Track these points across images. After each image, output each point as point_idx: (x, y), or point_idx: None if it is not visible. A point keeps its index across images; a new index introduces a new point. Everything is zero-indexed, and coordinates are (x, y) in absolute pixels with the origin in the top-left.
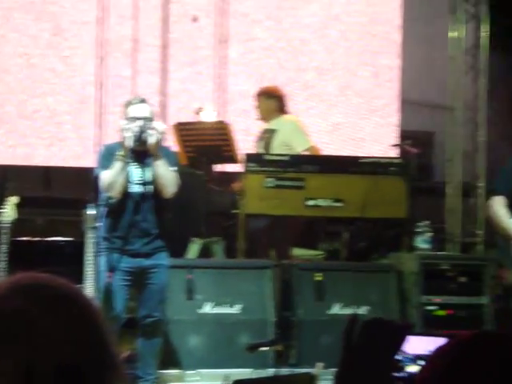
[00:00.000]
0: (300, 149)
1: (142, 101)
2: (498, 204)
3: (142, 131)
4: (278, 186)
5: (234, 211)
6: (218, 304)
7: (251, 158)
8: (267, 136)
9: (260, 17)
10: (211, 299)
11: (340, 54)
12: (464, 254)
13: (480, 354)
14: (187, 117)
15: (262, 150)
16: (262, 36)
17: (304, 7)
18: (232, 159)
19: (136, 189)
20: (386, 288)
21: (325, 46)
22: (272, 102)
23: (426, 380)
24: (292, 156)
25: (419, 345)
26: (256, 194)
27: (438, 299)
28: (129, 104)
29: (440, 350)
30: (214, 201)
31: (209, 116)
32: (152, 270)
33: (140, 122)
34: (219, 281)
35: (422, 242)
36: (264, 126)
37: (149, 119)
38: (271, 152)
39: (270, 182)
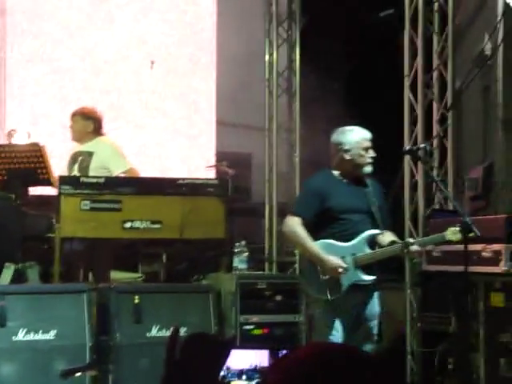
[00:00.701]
0: (117, 171)
1: None
2: (297, 224)
3: None
4: (94, 209)
5: (50, 235)
6: (31, 330)
7: (66, 180)
8: (82, 159)
9: (62, 36)
10: (25, 326)
11: (146, 74)
12: (281, 273)
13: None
14: None
15: (76, 173)
16: (65, 56)
17: (108, 27)
18: (47, 182)
19: None
20: (204, 309)
21: (130, 66)
22: (89, 123)
23: None
24: (108, 178)
25: (243, 359)
26: (72, 217)
27: (255, 318)
28: None
29: (290, 363)
30: (28, 224)
31: (22, 138)
32: None
33: None
34: (33, 306)
35: (239, 262)
36: (78, 147)
37: None
38: (89, 174)
39: (86, 204)
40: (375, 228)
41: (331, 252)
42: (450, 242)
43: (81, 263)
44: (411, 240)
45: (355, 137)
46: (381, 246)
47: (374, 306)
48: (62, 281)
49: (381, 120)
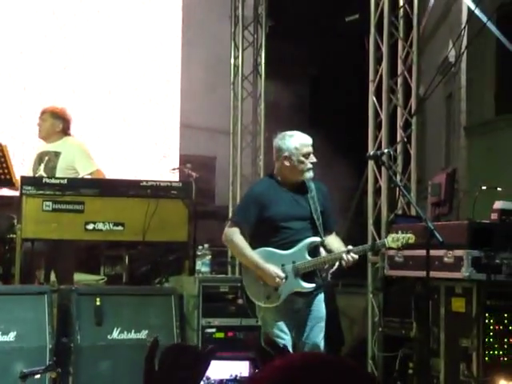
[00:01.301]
0: (84, 172)
1: None
2: (235, 233)
3: None
4: (56, 210)
5: (11, 236)
6: None
7: (28, 180)
8: (49, 158)
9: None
10: None
11: (111, 76)
12: None
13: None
14: None
15: (42, 173)
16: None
17: (77, 25)
18: (8, 182)
19: None
20: (166, 311)
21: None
22: (58, 122)
23: None
24: (70, 179)
25: (223, 370)
26: (33, 218)
27: (217, 321)
28: None
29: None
30: None
31: None
32: None
33: None
34: None
35: (202, 265)
36: (44, 147)
37: None
38: (56, 175)
39: (48, 205)
40: (316, 235)
41: (271, 260)
42: (399, 248)
43: (43, 264)
44: (351, 247)
45: (294, 142)
46: (327, 251)
47: (319, 308)
48: (22, 282)
49: (344, 124)
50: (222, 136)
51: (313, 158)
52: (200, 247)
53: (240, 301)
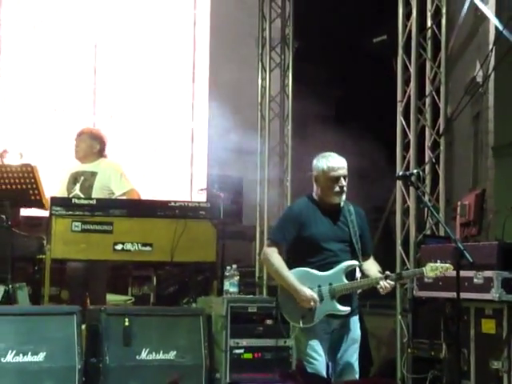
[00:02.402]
0: (118, 192)
1: None
2: (273, 252)
3: None
4: (85, 230)
5: (40, 256)
6: (20, 352)
7: (57, 201)
8: (85, 178)
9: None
10: (13, 347)
11: (143, 99)
12: (271, 297)
13: None
14: None
15: (77, 193)
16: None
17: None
18: (38, 203)
19: None
20: (194, 332)
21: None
22: (95, 143)
23: None
24: (99, 200)
25: None
26: (62, 239)
27: (245, 342)
28: None
29: None
30: (19, 245)
31: (14, 159)
32: None
33: None
34: (22, 328)
35: (230, 286)
36: (79, 167)
37: None
38: (92, 194)
39: (77, 226)
40: (354, 258)
41: (308, 281)
42: None
43: (76, 285)
44: (388, 273)
45: (324, 164)
46: (364, 275)
47: (354, 330)
48: (52, 302)
49: (371, 145)
50: (249, 156)
51: (342, 182)
52: (228, 267)
53: (268, 321)
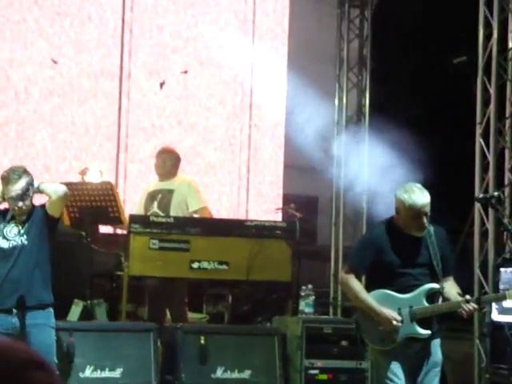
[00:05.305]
0: (191, 209)
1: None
2: (351, 278)
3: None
4: (162, 248)
5: (118, 273)
6: (98, 368)
7: (136, 219)
8: (162, 196)
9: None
10: (92, 363)
11: (216, 118)
12: (346, 318)
13: None
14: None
15: (156, 210)
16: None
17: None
18: (117, 220)
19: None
20: (269, 352)
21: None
22: (176, 162)
23: None
24: (176, 218)
25: None
26: (140, 256)
27: (320, 363)
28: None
29: None
30: (97, 262)
31: (94, 176)
32: (30, 330)
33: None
34: (100, 344)
35: (305, 306)
36: (156, 185)
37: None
38: (170, 211)
39: (155, 243)
40: (435, 280)
41: (388, 303)
42: None
43: (155, 302)
44: (468, 297)
45: (406, 200)
46: (444, 298)
47: (436, 353)
48: (129, 319)
49: (448, 166)
50: (324, 176)
51: (423, 220)
52: (304, 287)
53: (344, 342)
